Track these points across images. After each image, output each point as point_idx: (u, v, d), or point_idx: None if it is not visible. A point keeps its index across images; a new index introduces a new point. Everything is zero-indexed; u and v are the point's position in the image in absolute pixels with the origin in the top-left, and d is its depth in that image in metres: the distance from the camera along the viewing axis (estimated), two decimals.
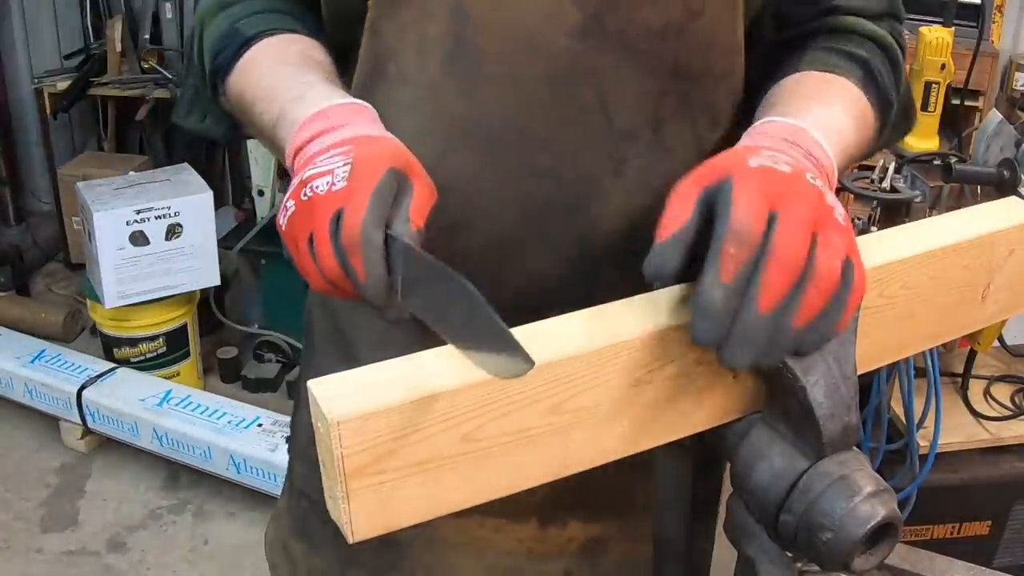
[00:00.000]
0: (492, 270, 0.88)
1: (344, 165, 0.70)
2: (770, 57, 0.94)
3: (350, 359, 1.01)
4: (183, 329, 3.08)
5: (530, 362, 0.61)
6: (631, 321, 0.71)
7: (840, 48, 0.92)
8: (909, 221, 0.86)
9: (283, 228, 0.73)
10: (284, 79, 0.85)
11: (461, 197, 0.87)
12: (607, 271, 0.89)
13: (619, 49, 0.85)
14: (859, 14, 0.94)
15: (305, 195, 0.71)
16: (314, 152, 0.74)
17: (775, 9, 0.95)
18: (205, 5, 0.96)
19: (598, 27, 0.84)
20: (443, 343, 0.68)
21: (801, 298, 0.65)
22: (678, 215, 0.68)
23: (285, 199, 0.73)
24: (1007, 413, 2.26)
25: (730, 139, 0.89)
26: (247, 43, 0.91)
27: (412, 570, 1.07)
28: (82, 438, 2.90)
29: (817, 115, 0.81)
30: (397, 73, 0.88)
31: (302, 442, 1.13)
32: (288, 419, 2.68)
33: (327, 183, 0.70)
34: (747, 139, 0.79)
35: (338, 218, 0.69)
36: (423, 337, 0.68)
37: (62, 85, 3.55)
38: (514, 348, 0.62)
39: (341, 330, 1.04)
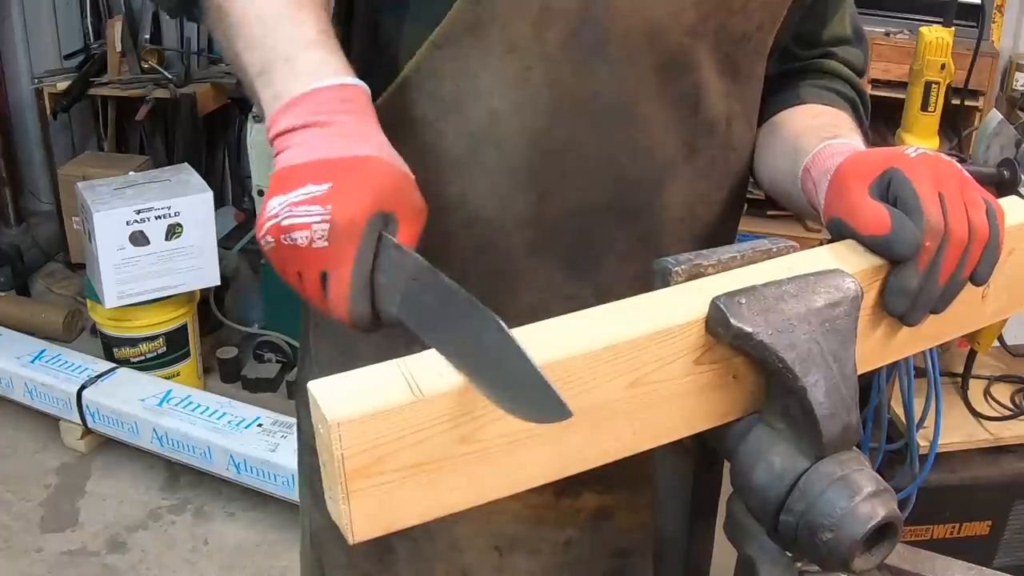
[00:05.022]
0: (571, 239, 0.95)
1: (322, 222, 0.69)
2: (768, 85, 1.07)
3: (348, 350, 1.03)
4: (183, 329, 3.07)
5: (567, 412, 0.63)
6: (631, 322, 0.71)
7: (832, 88, 1.07)
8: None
9: (267, 252, 0.74)
10: (277, 19, 0.80)
11: (558, 168, 0.93)
12: (665, 248, 0.94)
13: (712, 49, 0.94)
14: (845, 63, 1.09)
15: (286, 240, 0.71)
16: (291, 168, 0.72)
17: (784, 45, 1.06)
18: None
19: (703, 28, 0.92)
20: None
21: (967, 258, 0.79)
22: (874, 207, 0.79)
23: (262, 223, 0.72)
24: (1007, 413, 2.26)
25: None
26: None
27: (414, 535, 1.09)
28: (82, 438, 2.89)
29: (856, 140, 0.94)
30: (503, 41, 0.88)
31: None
32: (289, 419, 2.69)
33: (306, 237, 0.70)
34: (851, 154, 0.87)
35: (325, 275, 0.71)
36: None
37: (62, 85, 3.55)
38: (553, 397, 0.63)
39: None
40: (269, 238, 0.72)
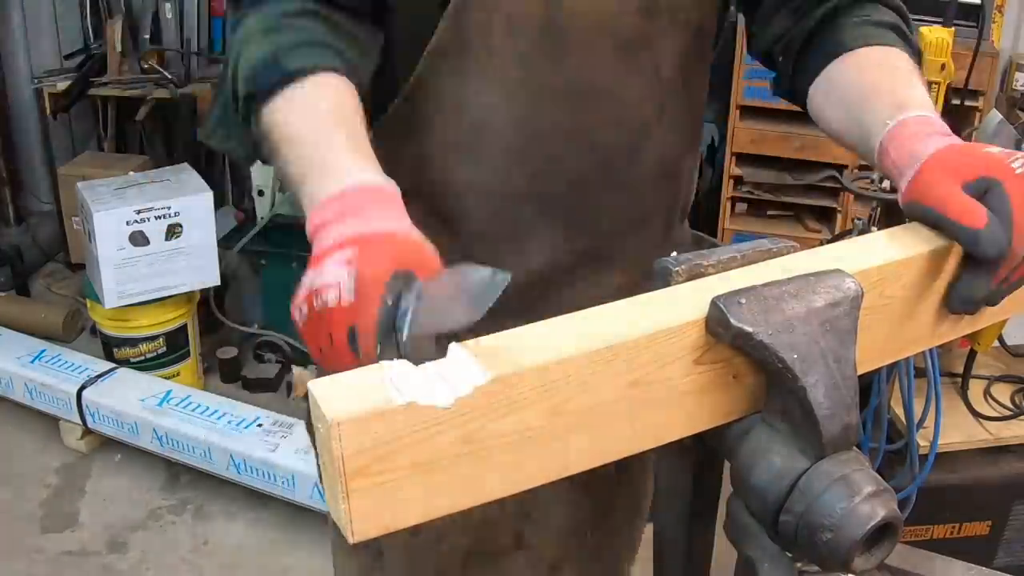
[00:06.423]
0: (568, 206, 1.09)
1: (349, 278, 0.74)
2: (809, 39, 1.07)
3: None
4: (183, 329, 3.07)
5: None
6: (631, 322, 0.71)
7: (871, 19, 1.04)
8: (910, 221, 0.87)
9: (300, 328, 0.78)
10: (313, 134, 0.90)
11: (545, 148, 1.06)
12: (649, 195, 1.14)
13: (666, 18, 1.06)
14: None
15: (317, 305, 0.75)
16: (324, 248, 0.78)
17: None
18: (251, 27, 0.97)
19: (654, 4, 1.05)
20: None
21: None
22: (970, 201, 0.80)
23: (298, 298, 0.77)
24: (1007, 413, 2.26)
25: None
26: (288, 76, 0.93)
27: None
28: (82, 438, 2.89)
29: (922, 100, 0.94)
30: (484, 48, 1.02)
31: None
32: (289, 419, 2.68)
33: (335, 296, 0.74)
34: (936, 138, 0.87)
35: (352, 331, 0.74)
36: None
37: (62, 85, 3.54)
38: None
39: None
40: (303, 308, 0.77)
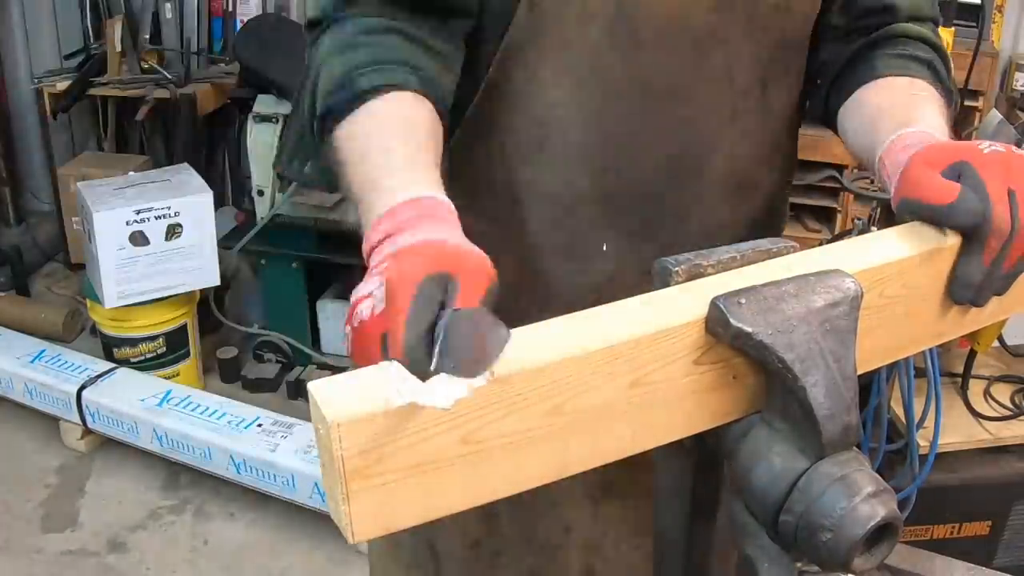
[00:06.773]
0: (632, 211, 1.06)
1: (380, 287, 0.72)
2: (845, 64, 1.11)
3: None
4: (183, 329, 3.07)
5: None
6: (631, 322, 0.71)
7: (906, 53, 1.08)
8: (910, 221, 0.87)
9: (349, 352, 0.76)
10: (373, 153, 0.89)
11: (615, 145, 1.04)
12: (719, 208, 1.10)
13: (743, 22, 1.03)
14: (914, 18, 1.11)
15: (355, 321, 0.73)
16: (371, 268, 0.76)
17: (843, 3, 1.11)
18: (328, 46, 0.96)
19: (729, 4, 1.02)
20: None
21: None
22: (943, 181, 0.84)
23: (344, 322, 0.75)
24: (1007, 413, 2.26)
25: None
26: (358, 96, 0.92)
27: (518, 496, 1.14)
28: (82, 438, 2.89)
29: (929, 119, 0.97)
30: (557, 39, 1.01)
31: None
32: (288, 419, 2.69)
33: (369, 307, 0.72)
34: (924, 146, 0.89)
35: (385, 339, 0.71)
36: None
37: (62, 85, 3.54)
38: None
39: None
40: (347, 329, 0.74)
